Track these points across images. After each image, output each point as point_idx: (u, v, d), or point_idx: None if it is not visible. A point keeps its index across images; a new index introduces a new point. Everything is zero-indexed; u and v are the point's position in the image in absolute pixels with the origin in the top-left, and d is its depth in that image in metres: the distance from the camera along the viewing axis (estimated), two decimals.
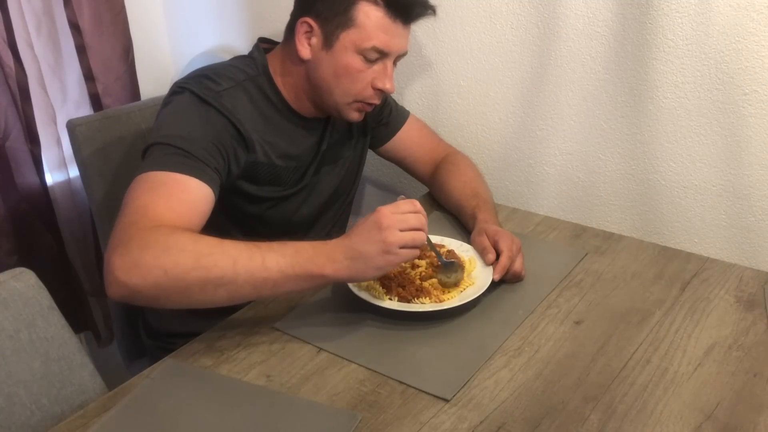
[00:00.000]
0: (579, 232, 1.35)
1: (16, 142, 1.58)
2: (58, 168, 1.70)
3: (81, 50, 1.66)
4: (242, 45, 1.91)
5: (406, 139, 1.46)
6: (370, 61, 1.15)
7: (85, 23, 1.64)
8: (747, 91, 1.23)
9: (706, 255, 1.27)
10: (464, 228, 1.33)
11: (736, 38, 1.21)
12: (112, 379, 1.04)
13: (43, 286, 1.00)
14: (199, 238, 0.94)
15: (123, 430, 0.87)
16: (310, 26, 1.15)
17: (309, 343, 1.02)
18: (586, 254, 1.26)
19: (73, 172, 1.69)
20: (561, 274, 1.19)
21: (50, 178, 1.69)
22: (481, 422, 0.87)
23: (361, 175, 1.46)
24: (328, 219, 1.38)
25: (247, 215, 1.25)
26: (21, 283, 0.98)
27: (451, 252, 1.19)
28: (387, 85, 1.18)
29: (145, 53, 1.90)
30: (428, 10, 1.19)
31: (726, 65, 1.23)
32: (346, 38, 1.13)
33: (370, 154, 1.50)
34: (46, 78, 1.64)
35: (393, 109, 1.46)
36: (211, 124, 1.10)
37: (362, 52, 1.14)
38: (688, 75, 1.28)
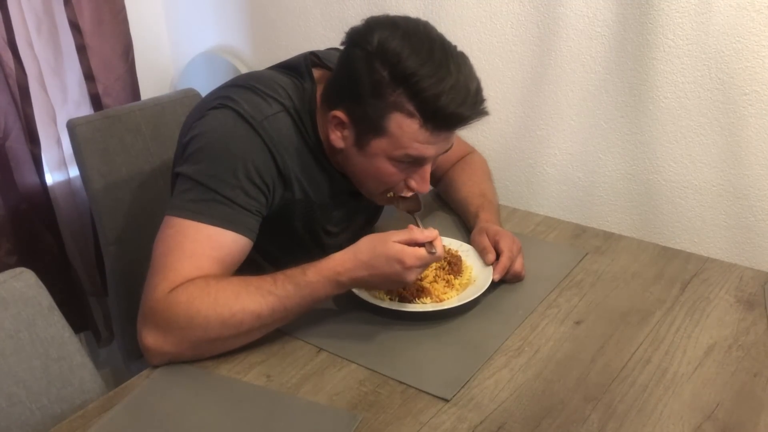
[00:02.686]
0: (579, 232, 1.35)
1: (16, 142, 1.58)
2: (58, 168, 1.70)
3: (81, 50, 1.66)
4: (242, 45, 1.91)
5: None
6: (404, 163, 1.05)
7: (85, 23, 1.64)
8: (747, 91, 1.23)
9: (706, 255, 1.27)
10: (465, 229, 1.33)
11: (736, 38, 1.21)
12: (112, 379, 1.04)
13: (43, 286, 1.00)
14: (216, 298, 0.94)
15: (122, 430, 0.87)
16: (342, 121, 1.04)
17: (309, 343, 1.02)
18: (586, 254, 1.26)
19: (73, 172, 1.69)
20: (561, 274, 1.19)
21: (50, 178, 1.69)
22: (481, 422, 0.87)
23: None
24: (358, 235, 1.31)
25: (268, 247, 1.18)
26: (21, 283, 0.98)
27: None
28: (419, 187, 1.08)
29: (145, 53, 1.90)
30: (476, 119, 1.02)
31: (726, 65, 1.23)
32: (377, 145, 1.03)
33: None
34: (46, 78, 1.64)
35: None
36: (254, 157, 1.03)
37: (394, 159, 1.03)
38: (688, 75, 1.28)
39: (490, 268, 1.14)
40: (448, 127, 1.02)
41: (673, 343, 1.02)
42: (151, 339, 0.96)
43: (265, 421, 0.87)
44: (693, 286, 1.16)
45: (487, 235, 1.17)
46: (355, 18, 1.64)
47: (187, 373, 0.97)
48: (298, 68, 1.12)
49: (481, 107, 1.01)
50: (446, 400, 0.91)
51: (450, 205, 1.40)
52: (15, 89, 1.55)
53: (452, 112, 0.98)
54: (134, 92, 1.79)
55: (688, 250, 1.29)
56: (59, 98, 1.70)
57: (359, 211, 1.27)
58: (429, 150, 1.03)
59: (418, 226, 1.04)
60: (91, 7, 1.65)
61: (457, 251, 1.19)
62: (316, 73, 1.12)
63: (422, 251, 0.95)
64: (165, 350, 0.96)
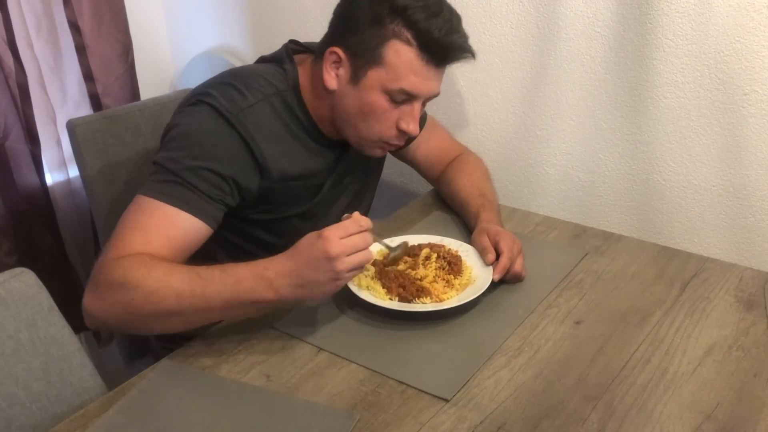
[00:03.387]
0: (579, 232, 1.35)
1: (16, 142, 1.58)
2: (58, 168, 1.70)
3: (81, 50, 1.66)
4: (242, 45, 1.91)
5: (423, 144, 1.42)
6: (397, 102, 1.10)
7: (84, 23, 1.64)
8: (747, 91, 1.23)
9: (706, 255, 1.27)
10: (465, 228, 1.33)
11: (736, 38, 1.21)
12: (112, 379, 1.04)
13: (43, 286, 1.00)
14: (150, 271, 0.95)
15: (122, 430, 0.87)
16: (339, 57, 1.10)
17: (309, 343, 1.02)
18: (586, 254, 1.26)
19: (73, 172, 1.69)
20: (561, 274, 1.19)
21: (50, 178, 1.69)
22: (481, 422, 0.87)
23: (378, 182, 1.43)
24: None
25: (266, 237, 1.23)
26: (21, 283, 0.98)
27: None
28: (410, 127, 1.13)
29: (145, 53, 1.90)
30: (467, 54, 1.12)
31: (726, 65, 1.23)
32: (374, 76, 1.08)
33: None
34: (46, 78, 1.64)
35: None
36: (224, 150, 1.07)
37: (389, 93, 1.09)
38: (688, 75, 1.28)
39: (490, 268, 1.14)
40: (440, 57, 1.09)
41: (673, 343, 1.02)
42: (87, 299, 0.98)
43: (263, 422, 0.88)
44: (693, 286, 1.16)
45: (488, 235, 1.17)
46: None
47: (186, 373, 0.97)
48: (278, 56, 1.19)
49: (469, 44, 1.12)
50: (446, 400, 0.91)
51: (450, 206, 1.40)
52: (15, 89, 1.55)
53: (445, 41, 1.07)
54: (134, 92, 1.79)
55: (688, 250, 1.29)
56: (59, 98, 1.70)
57: (346, 192, 1.30)
58: (422, 85, 1.09)
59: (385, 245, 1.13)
60: (90, 7, 1.65)
61: (457, 251, 1.19)
62: (298, 57, 1.19)
63: (343, 229, 0.93)
64: (95, 312, 0.98)
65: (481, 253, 1.17)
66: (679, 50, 1.27)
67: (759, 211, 1.29)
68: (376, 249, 1.19)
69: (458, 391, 0.92)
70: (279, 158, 1.14)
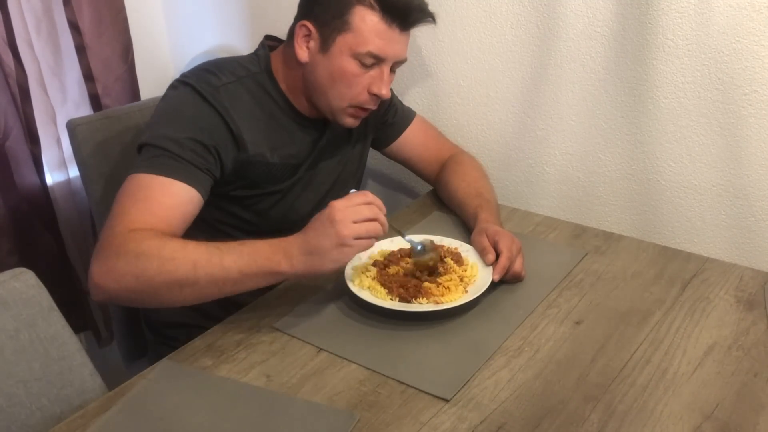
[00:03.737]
0: (579, 232, 1.35)
1: (16, 142, 1.58)
2: (58, 168, 1.70)
3: (81, 50, 1.66)
4: (242, 45, 1.91)
5: (411, 140, 1.46)
6: (366, 66, 1.16)
7: (84, 23, 1.64)
8: (747, 91, 1.23)
9: (706, 255, 1.27)
10: (465, 228, 1.33)
11: (736, 38, 1.21)
12: (112, 379, 1.04)
13: (43, 286, 1.00)
14: (165, 243, 0.99)
15: (121, 430, 0.87)
16: (309, 30, 1.16)
17: (309, 343, 1.02)
18: (586, 254, 1.26)
19: (73, 172, 1.69)
20: (561, 274, 1.19)
21: (50, 178, 1.69)
22: (481, 422, 0.87)
23: (363, 174, 1.45)
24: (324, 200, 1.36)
25: (244, 215, 1.26)
26: (21, 283, 0.98)
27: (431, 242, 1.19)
28: (382, 91, 1.17)
29: (145, 53, 1.90)
30: (426, 17, 1.18)
31: (726, 65, 1.23)
32: (342, 42, 1.14)
33: (377, 154, 1.50)
34: (46, 78, 1.64)
35: (399, 110, 1.46)
36: (203, 122, 1.12)
37: (358, 57, 1.14)
38: (688, 75, 1.28)
39: (490, 268, 1.14)
40: (402, 19, 1.14)
41: (673, 343, 1.02)
42: (97, 271, 0.99)
43: (262, 422, 0.88)
44: (693, 286, 1.16)
45: (487, 236, 1.18)
46: None
47: (186, 373, 0.97)
48: (256, 49, 1.27)
49: (427, 6, 1.18)
50: (446, 400, 0.91)
51: (450, 208, 1.41)
52: (15, 89, 1.55)
53: (405, 3, 1.13)
54: (134, 92, 1.79)
55: (688, 250, 1.29)
56: (59, 98, 1.70)
57: (328, 172, 1.33)
58: (388, 48, 1.14)
59: (401, 235, 1.15)
60: (90, 7, 1.65)
61: (456, 248, 1.20)
62: (272, 46, 1.28)
63: (349, 199, 0.99)
64: (105, 285, 0.98)
65: (481, 253, 1.17)
66: (679, 50, 1.27)
67: (759, 211, 1.29)
68: (377, 249, 1.20)
69: (458, 391, 0.92)
70: (255, 135, 1.19)
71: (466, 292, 1.10)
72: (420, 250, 1.15)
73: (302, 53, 1.18)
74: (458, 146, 1.51)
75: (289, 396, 0.92)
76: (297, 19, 1.20)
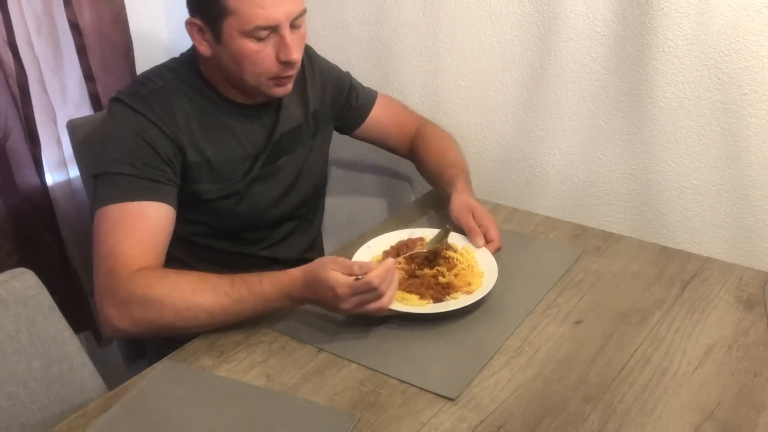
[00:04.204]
0: (579, 232, 1.35)
1: (17, 142, 1.58)
2: (59, 168, 1.69)
3: (81, 50, 1.65)
4: None
5: (378, 120, 1.47)
6: (263, 39, 1.11)
7: (85, 23, 1.64)
8: (747, 91, 1.23)
9: (706, 255, 1.27)
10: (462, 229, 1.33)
11: (736, 38, 1.21)
12: (112, 379, 1.05)
13: (43, 286, 1.00)
14: (173, 290, 1.02)
15: (122, 430, 0.87)
16: (198, 25, 1.14)
17: (309, 344, 1.02)
18: (583, 252, 1.26)
19: (73, 172, 1.68)
20: (560, 272, 1.19)
21: (50, 178, 1.69)
22: (481, 422, 0.88)
23: (327, 162, 1.46)
24: (297, 209, 1.35)
25: (209, 221, 1.25)
26: (21, 283, 0.98)
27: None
28: (291, 56, 1.13)
29: (146, 53, 1.90)
30: None
31: (726, 65, 1.23)
32: (228, 26, 1.10)
33: (370, 147, 1.51)
34: (46, 78, 1.64)
35: (360, 93, 1.46)
36: (145, 135, 1.12)
37: (249, 35, 1.10)
38: (688, 75, 1.27)
39: (493, 269, 1.13)
40: None
41: (673, 343, 1.02)
42: (111, 314, 1.03)
43: (262, 422, 0.88)
44: (693, 286, 1.16)
45: (474, 217, 1.21)
46: (356, 18, 1.65)
47: (186, 373, 0.97)
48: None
49: None
50: (451, 400, 0.91)
51: (427, 180, 1.45)
52: (15, 89, 1.55)
53: None
54: None
55: (688, 250, 1.29)
56: (59, 98, 1.70)
57: (291, 165, 1.32)
58: (272, 13, 1.09)
59: (445, 238, 1.17)
60: (91, 7, 1.65)
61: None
62: None
63: (350, 280, 0.96)
64: (123, 326, 1.03)
65: (469, 234, 1.20)
66: (679, 50, 1.27)
67: (759, 211, 1.29)
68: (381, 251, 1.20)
69: (461, 391, 0.92)
70: (193, 136, 1.18)
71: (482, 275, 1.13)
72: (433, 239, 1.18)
73: (203, 48, 1.16)
74: (423, 117, 1.54)
75: (289, 396, 0.92)
76: (188, 17, 1.18)
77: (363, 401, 0.91)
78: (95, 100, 1.71)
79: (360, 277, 0.95)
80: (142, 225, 1.08)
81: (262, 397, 0.92)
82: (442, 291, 1.09)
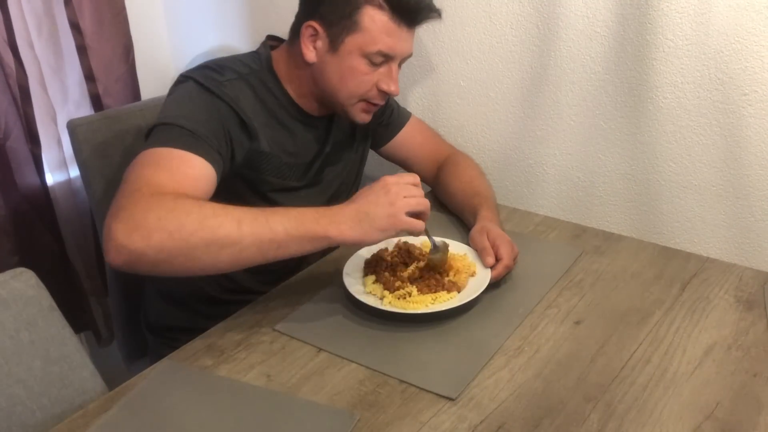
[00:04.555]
0: (579, 232, 1.35)
1: (17, 142, 1.58)
2: (59, 168, 1.70)
3: (81, 50, 1.66)
4: (242, 45, 1.91)
5: (407, 140, 1.46)
6: (375, 64, 1.16)
7: (85, 23, 1.64)
8: (747, 91, 1.23)
9: (706, 255, 1.27)
10: (461, 229, 1.33)
11: (736, 38, 1.21)
12: (112, 379, 1.04)
13: (44, 286, 1.00)
14: (204, 202, 0.97)
15: (122, 430, 0.87)
16: (315, 30, 1.16)
17: (309, 344, 1.02)
18: (582, 252, 1.26)
19: (74, 172, 1.69)
20: (560, 272, 1.19)
21: (51, 178, 1.69)
22: (481, 422, 0.88)
23: (362, 176, 1.46)
24: (332, 195, 1.36)
25: (258, 203, 1.24)
26: (21, 283, 0.98)
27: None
28: (392, 88, 1.19)
29: (146, 53, 1.90)
30: (434, 13, 1.19)
31: (726, 65, 1.23)
32: (351, 42, 1.14)
33: (372, 154, 1.51)
34: (46, 78, 1.64)
35: (395, 111, 1.46)
36: (214, 109, 1.11)
37: (367, 56, 1.15)
38: (688, 75, 1.28)
39: (488, 269, 1.13)
40: (411, 18, 1.15)
41: (673, 343, 1.02)
42: (120, 228, 0.90)
43: (262, 422, 0.88)
44: (693, 286, 1.16)
45: (488, 236, 1.17)
46: None
47: (186, 373, 0.97)
48: (256, 48, 1.27)
49: (434, 4, 1.19)
50: (451, 400, 0.91)
51: (449, 208, 1.41)
52: (15, 89, 1.55)
53: (414, 2, 1.14)
54: (134, 92, 1.79)
55: (688, 250, 1.29)
56: (59, 98, 1.70)
57: (334, 177, 1.33)
58: (397, 46, 1.15)
59: (429, 238, 1.13)
60: (91, 7, 1.65)
61: (462, 255, 1.19)
62: (273, 45, 1.27)
63: (401, 176, 1.02)
64: (130, 244, 0.89)
65: (480, 253, 1.17)
66: (679, 50, 1.27)
67: (759, 211, 1.29)
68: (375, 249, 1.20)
69: (461, 391, 0.92)
70: (267, 131, 1.19)
71: (473, 275, 1.13)
72: (434, 250, 1.15)
73: (309, 53, 1.17)
74: (454, 147, 1.51)
75: (289, 396, 0.92)
76: (301, 18, 1.19)
77: (363, 401, 0.91)
78: (95, 100, 1.71)
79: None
80: (187, 170, 1.02)
81: (262, 397, 0.92)
82: (442, 287, 1.09)
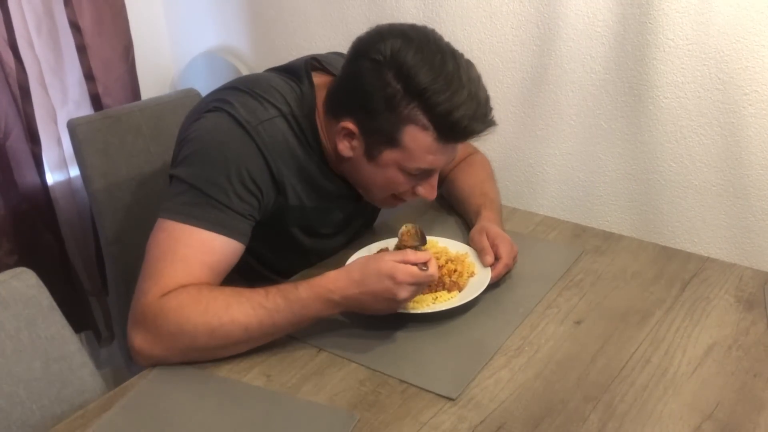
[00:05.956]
0: (579, 232, 1.35)
1: (17, 142, 1.58)
2: (59, 168, 1.70)
3: (81, 50, 1.66)
4: (242, 45, 1.91)
5: None
6: (414, 176, 1.07)
7: (85, 23, 1.65)
8: (747, 91, 1.23)
9: (706, 255, 1.27)
10: (462, 228, 1.33)
11: (736, 38, 1.21)
12: (112, 379, 1.04)
13: (44, 286, 1.00)
14: (207, 307, 0.94)
15: (122, 430, 0.87)
16: (352, 132, 1.04)
17: (309, 344, 1.02)
18: (583, 252, 1.26)
19: (74, 171, 1.69)
20: (560, 272, 1.19)
21: (51, 178, 1.69)
22: (481, 422, 0.88)
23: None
24: (351, 242, 1.30)
25: (269, 256, 1.23)
26: (21, 283, 0.98)
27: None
28: (428, 194, 1.10)
29: (145, 53, 1.90)
30: (488, 132, 1.04)
31: (726, 65, 1.23)
32: (389, 156, 1.04)
33: None
34: (46, 78, 1.64)
35: None
36: (249, 162, 1.03)
37: (406, 170, 1.05)
38: (688, 75, 1.28)
39: (488, 269, 1.13)
40: (460, 140, 1.04)
41: (673, 343, 1.02)
42: (140, 341, 0.96)
43: (264, 421, 0.88)
44: (693, 286, 1.16)
45: (488, 236, 1.17)
46: (356, 18, 1.65)
47: (186, 373, 0.97)
48: (297, 72, 1.12)
49: (492, 118, 1.03)
50: (451, 400, 0.91)
51: (452, 204, 1.40)
52: (15, 89, 1.55)
53: (466, 126, 1.00)
54: (134, 92, 1.79)
55: (688, 250, 1.29)
56: (59, 98, 1.70)
57: (357, 214, 1.27)
58: (439, 161, 1.05)
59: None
60: (91, 7, 1.65)
61: (463, 254, 1.19)
62: (317, 78, 1.12)
63: (414, 268, 0.94)
64: (153, 354, 0.96)
65: (480, 252, 1.16)
66: (679, 50, 1.27)
67: (759, 211, 1.29)
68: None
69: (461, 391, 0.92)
70: (293, 178, 1.11)
71: (473, 275, 1.12)
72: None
73: (345, 150, 1.07)
74: (474, 146, 1.45)
75: (289, 396, 0.92)
76: (337, 107, 1.06)
77: (363, 401, 0.91)
78: (95, 100, 1.71)
79: (421, 267, 0.94)
80: (204, 258, 0.99)
81: (262, 397, 0.92)
82: (442, 287, 1.09)
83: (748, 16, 1.19)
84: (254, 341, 0.97)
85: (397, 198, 1.14)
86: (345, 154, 1.07)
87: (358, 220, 1.29)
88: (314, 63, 1.15)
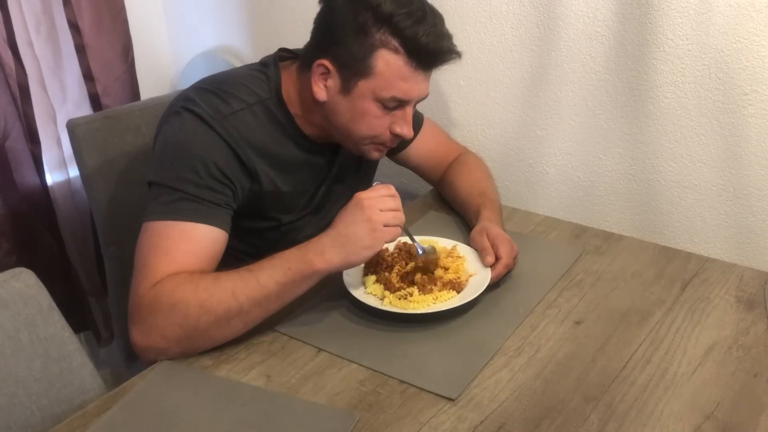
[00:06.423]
0: (579, 232, 1.35)
1: (16, 142, 1.58)
2: (58, 168, 1.70)
3: (81, 50, 1.66)
4: (242, 45, 1.91)
5: (421, 147, 1.41)
6: (389, 108, 1.11)
7: (84, 23, 1.64)
8: (747, 91, 1.23)
9: (706, 255, 1.27)
10: (462, 228, 1.33)
11: (736, 38, 1.21)
12: (112, 379, 1.04)
13: (43, 286, 1.00)
14: (197, 283, 0.97)
15: (121, 430, 0.87)
16: (327, 68, 1.10)
17: (309, 344, 1.02)
18: (583, 252, 1.26)
19: (73, 172, 1.69)
20: (560, 272, 1.19)
21: (50, 178, 1.69)
22: (481, 422, 0.87)
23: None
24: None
25: (257, 242, 1.23)
26: (21, 283, 0.98)
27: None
28: (405, 131, 1.14)
29: (145, 53, 1.90)
30: (454, 55, 1.11)
31: (726, 65, 1.23)
32: (365, 86, 1.08)
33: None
34: (46, 78, 1.64)
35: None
36: (215, 155, 1.07)
37: (380, 100, 1.09)
38: (688, 75, 1.28)
39: (488, 268, 1.13)
40: (428, 62, 1.09)
41: (673, 343, 1.02)
42: (138, 335, 0.99)
43: (264, 422, 0.88)
44: (693, 286, 1.16)
45: (488, 236, 1.17)
46: None
47: (186, 373, 0.97)
48: (265, 62, 1.20)
49: (455, 46, 1.11)
50: (451, 400, 0.91)
51: (453, 206, 1.40)
52: (15, 89, 1.55)
53: (434, 46, 1.07)
54: (134, 92, 1.79)
55: (688, 250, 1.29)
56: (59, 98, 1.70)
57: (337, 197, 1.30)
58: (412, 90, 1.10)
59: (412, 239, 1.14)
60: (90, 7, 1.65)
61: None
62: (283, 63, 1.20)
63: (376, 191, 1.01)
64: (152, 344, 0.98)
65: (481, 253, 1.16)
66: (679, 50, 1.27)
67: (759, 211, 1.29)
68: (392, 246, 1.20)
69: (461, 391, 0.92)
70: (267, 168, 1.15)
71: (473, 275, 1.12)
72: (423, 254, 1.15)
73: (320, 92, 1.12)
74: (464, 146, 1.49)
75: (289, 396, 0.92)
76: (311, 53, 1.12)
77: (363, 401, 0.91)
78: (95, 100, 1.71)
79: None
80: (187, 246, 1.02)
81: (262, 397, 0.92)
82: (442, 287, 1.09)
83: (748, 16, 1.19)
84: (245, 311, 0.97)
85: (377, 145, 1.17)
86: (320, 97, 1.12)
87: (341, 200, 1.30)
88: (282, 53, 1.23)
